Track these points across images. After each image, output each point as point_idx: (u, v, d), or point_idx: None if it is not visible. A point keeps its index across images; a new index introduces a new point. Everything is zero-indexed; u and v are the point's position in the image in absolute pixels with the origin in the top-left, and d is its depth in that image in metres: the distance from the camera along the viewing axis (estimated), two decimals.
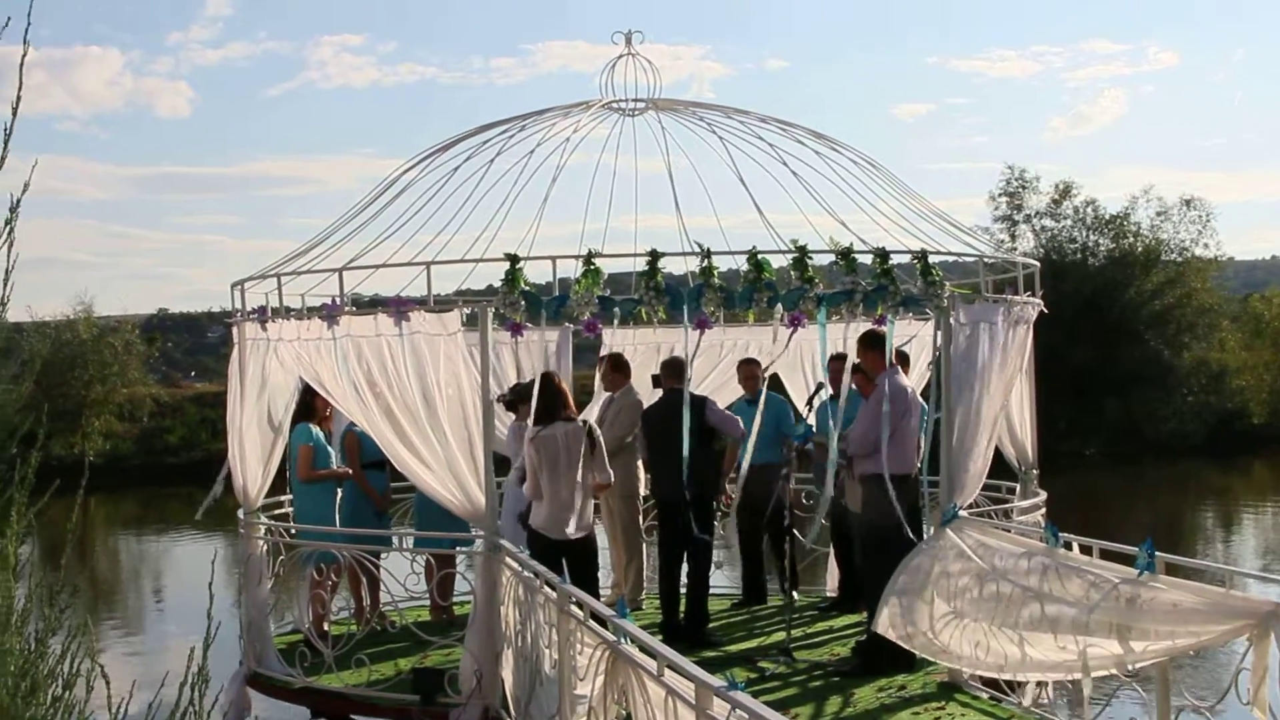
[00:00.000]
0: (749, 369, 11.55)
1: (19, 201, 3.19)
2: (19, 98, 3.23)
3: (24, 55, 3.20)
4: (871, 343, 9.28)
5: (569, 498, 8.83)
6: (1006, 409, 9.58)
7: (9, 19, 3.13)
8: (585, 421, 9.37)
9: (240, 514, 9.79)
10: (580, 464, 8.85)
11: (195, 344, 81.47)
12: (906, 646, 8.30)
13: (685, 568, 10.29)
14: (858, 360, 9.51)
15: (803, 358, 12.20)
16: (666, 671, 4.82)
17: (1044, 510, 9.85)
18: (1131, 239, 45.51)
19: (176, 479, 36.81)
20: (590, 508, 9.10)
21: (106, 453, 40.51)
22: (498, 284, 8.43)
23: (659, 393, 10.70)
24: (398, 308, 8.47)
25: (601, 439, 9.23)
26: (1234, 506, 31.47)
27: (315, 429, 10.35)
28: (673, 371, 10.43)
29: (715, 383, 12.59)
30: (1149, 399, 42.98)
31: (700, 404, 10.24)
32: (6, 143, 3.15)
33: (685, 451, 9.25)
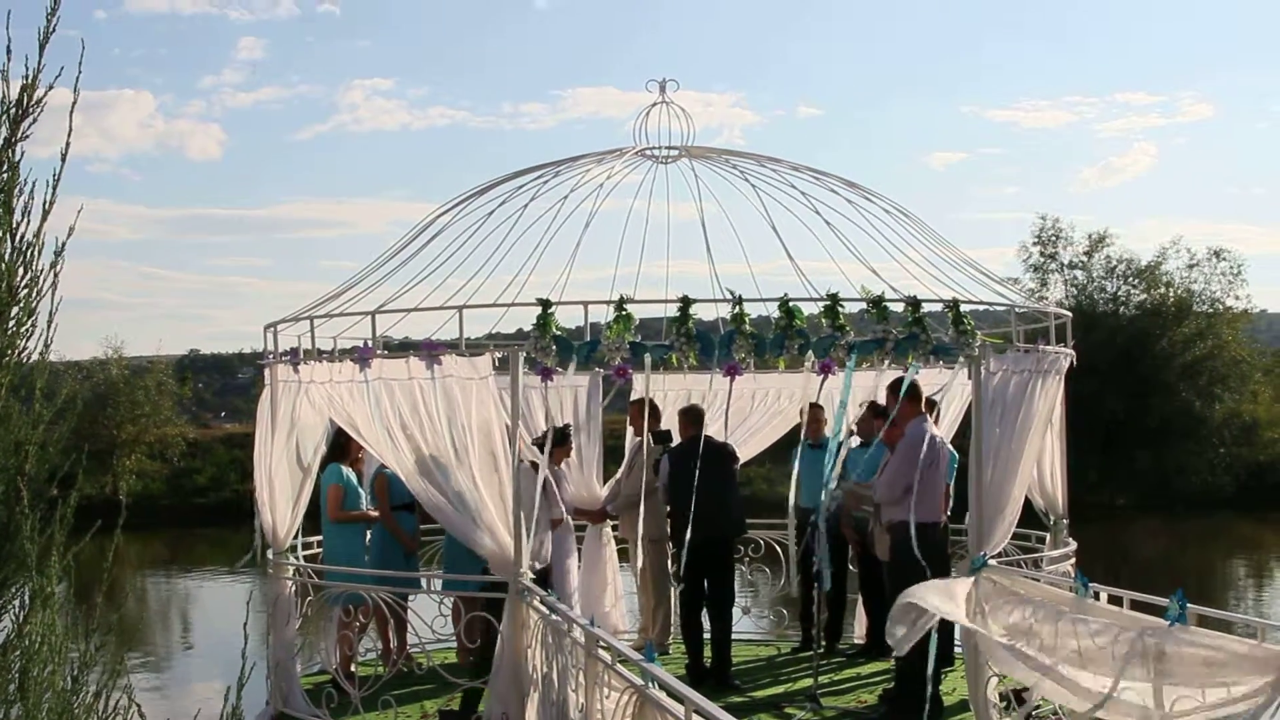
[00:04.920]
0: (815, 414, 11.50)
1: (63, 246, 3.25)
2: (68, 144, 3.30)
3: (74, 103, 3.28)
4: (899, 390, 9.30)
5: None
6: (1037, 459, 9.56)
7: (62, 67, 3.21)
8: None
9: (269, 554, 9.85)
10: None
11: (225, 384, 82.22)
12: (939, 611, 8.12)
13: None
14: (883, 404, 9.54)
15: (832, 404, 12.23)
16: (694, 716, 4.82)
17: (1074, 560, 9.81)
18: (1163, 289, 45.42)
19: (205, 519, 37.00)
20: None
21: (137, 492, 40.72)
22: (528, 328, 8.49)
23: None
24: (429, 351, 8.53)
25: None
26: (1265, 559, 31.17)
27: (346, 470, 10.43)
28: (691, 419, 10.57)
29: (746, 432, 12.67)
30: (1180, 450, 42.73)
31: (729, 455, 10.37)
32: (55, 187, 3.21)
33: (694, 496, 9.36)
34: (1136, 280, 45.69)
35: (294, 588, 9.72)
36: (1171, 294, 45.27)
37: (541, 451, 10.38)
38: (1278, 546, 34.37)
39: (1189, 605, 6.43)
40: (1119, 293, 45.87)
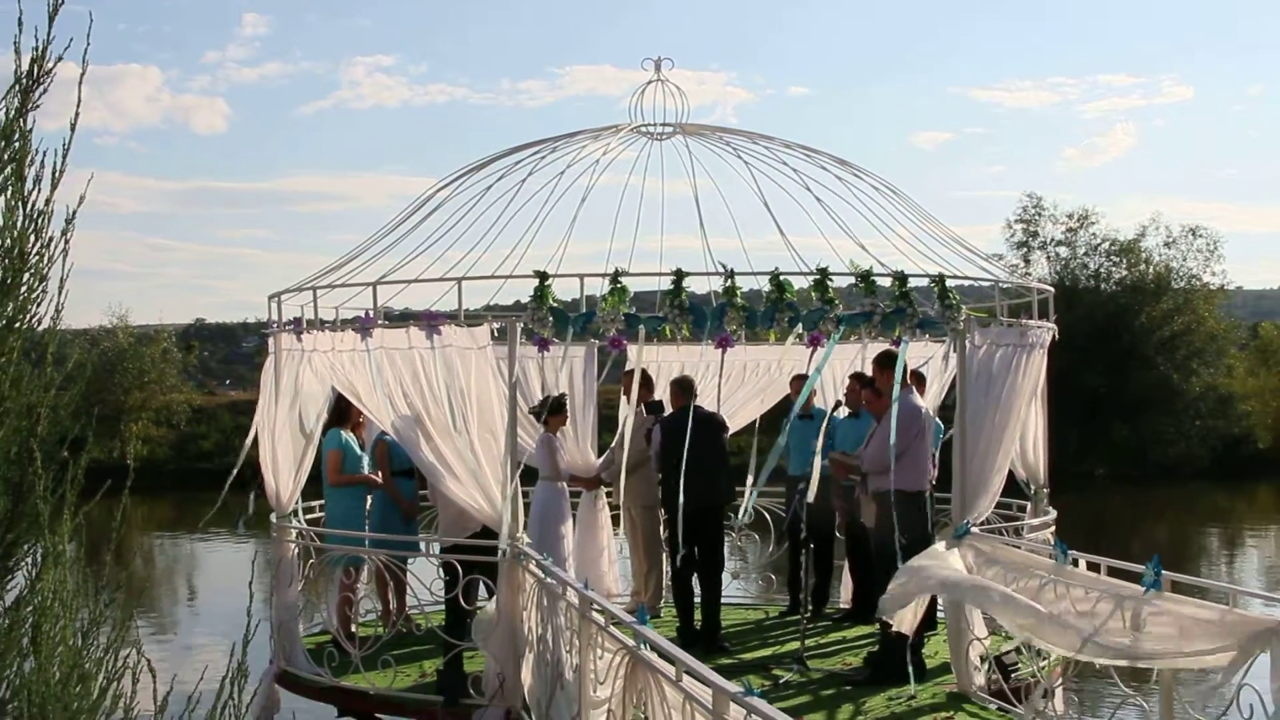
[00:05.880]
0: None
1: (74, 214, 3.33)
2: (77, 114, 3.35)
3: (82, 74, 3.32)
4: (887, 363, 9.54)
5: None
6: (1020, 430, 9.82)
7: (70, 39, 3.24)
8: None
9: (272, 518, 10.07)
10: None
11: (230, 353, 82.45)
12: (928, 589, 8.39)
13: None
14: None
15: (822, 376, 12.46)
16: (684, 677, 5.00)
17: (1053, 529, 10.09)
18: (1143, 267, 45.82)
19: (210, 483, 37.13)
20: None
21: (143, 457, 41.20)
22: (526, 300, 8.69)
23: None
24: (429, 321, 8.73)
25: None
26: (1239, 528, 31.64)
27: (346, 434, 10.64)
28: (683, 389, 10.81)
29: (737, 402, 12.95)
30: (1158, 423, 43.28)
31: (719, 425, 10.62)
32: (65, 156, 3.28)
33: (683, 464, 9.59)
34: (1118, 257, 46.08)
35: (296, 550, 9.95)
36: (1151, 270, 45.67)
37: (538, 420, 10.62)
38: (1250, 516, 34.84)
39: (1164, 572, 6.69)
40: (1100, 269, 46.28)
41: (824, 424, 10.81)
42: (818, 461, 10.02)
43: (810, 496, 9.79)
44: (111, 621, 3.51)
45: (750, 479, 11.68)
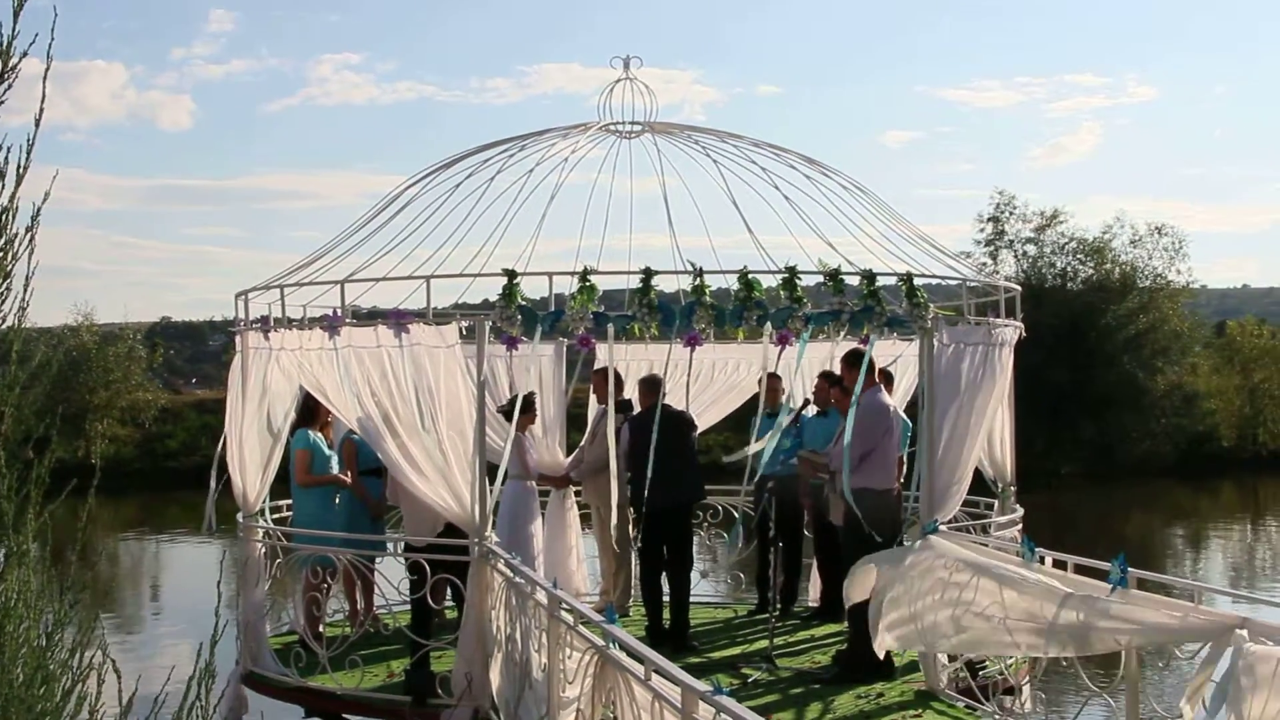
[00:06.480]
0: (773, 383, 11.65)
1: (39, 210, 3.28)
2: (42, 109, 3.31)
3: (46, 69, 3.26)
4: (855, 361, 9.56)
5: None
6: (987, 428, 9.86)
7: (35, 34, 3.20)
8: None
9: (239, 517, 10.01)
10: None
11: (196, 351, 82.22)
12: (908, 649, 8.49)
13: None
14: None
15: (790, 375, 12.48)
16: (653, 676, 5.00)
17: (1020, 526, 10.13)
18: (1109, 265, 46.09)
19: (176, 483, 37.08)
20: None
21: (109, 457, 40.85)
22: (494, 299, 8.67)
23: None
24: (397, 319, 8.70)
25: None
26: (1202, 526, 31.90)
27: (314, 434, 10.59)
28: (651, 387, 10.82)
29: (706, 400, 12.96)
30: (1123, 421, 43.55)
31: (687, 424, 10.65)
32: (29, 152, 3.23)
33: (651, 462, 9.63)
34: (1085, 257, 46.35)
35: (263, 550, 9.89)
36: (1117, 269, 45.95)
37: (508, 419, 10.60)
38: (1214, 514, 35.12)
39: (1129, 570, 6.73)
40: (1067, 268, 46.54)
41: (793, 421, 10.82)
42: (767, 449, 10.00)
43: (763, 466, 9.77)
44: (76, 622, 3.49)
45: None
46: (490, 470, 8.99)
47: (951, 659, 9.05)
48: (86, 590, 3.63)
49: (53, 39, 3.25)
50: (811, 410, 11.31)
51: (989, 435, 10.18)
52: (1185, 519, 33.33)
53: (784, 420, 9.93)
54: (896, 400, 10.72)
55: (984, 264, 44.31)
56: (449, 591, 9.25)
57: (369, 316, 9.21)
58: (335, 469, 10.66)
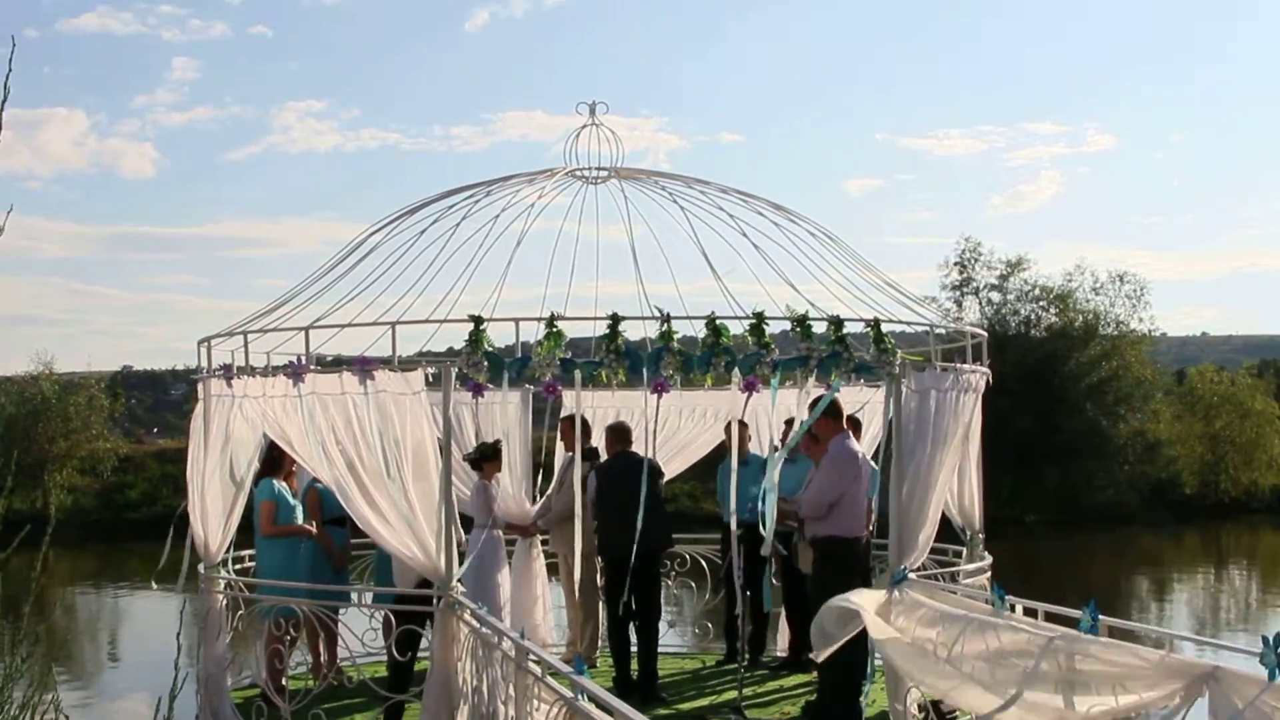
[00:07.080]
0: (741, 431, 11.57)
1: None
2: None
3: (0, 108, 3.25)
4: (832, 411, 9.51)
5: None
6: (954, 475, 9.83)
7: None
8: None
9: (200, 568, 9.85)
10: None
11: (158, 400, 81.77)
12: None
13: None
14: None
15: (758, 421, 12.45)
16: None
17: (989, 574, 10.09)
18: (1072, 313, 46.50)
19: (137, 534, 36.65)
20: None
21: (68, 507, 40.42)
22: (460, 345, 8.60)
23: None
24: (362, 366, 8.61)
25: None
26: (1167, 572, 32.02)
27: (279, 484, 10.47)
28: (619, 435, 10.76)
29: (673, 448, 12.91)
30: (1087, 468, 43.82)
31: (654, 471, 10.56)
32: None
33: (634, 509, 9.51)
34: (1048, 304, 46.75)
35: (225, 602, 9.73)
36: (1080, 317, 46.36)
37: (474, 468, 10.51)
38: (1177, 560, 35.31)
39: (1100, 617, 6.69)
40: (1030, 315, 46.92)
41: (762, 468, 10.75)
42: (772, 500, 9.90)
43: (766, 550, 9.62)
44: (29, 676, 3.39)
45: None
46: (463, 521, 8.89)
47: (921, 709, 8.96)
48: (40, 642, 3.53)
49: (8, 83, 3.21)
50: (780, 456, 11.24)
51: (957, 482, 10.15)
52: (1149, 566, 33.47)
53: (778, 459, 9.81)
54: (863, 447, 10.68)
55: (949, 309, 44.59)
56: (422, 642, 9.12)
57: (334, 364, 9.12)
58: (300, 519, 10.53)
